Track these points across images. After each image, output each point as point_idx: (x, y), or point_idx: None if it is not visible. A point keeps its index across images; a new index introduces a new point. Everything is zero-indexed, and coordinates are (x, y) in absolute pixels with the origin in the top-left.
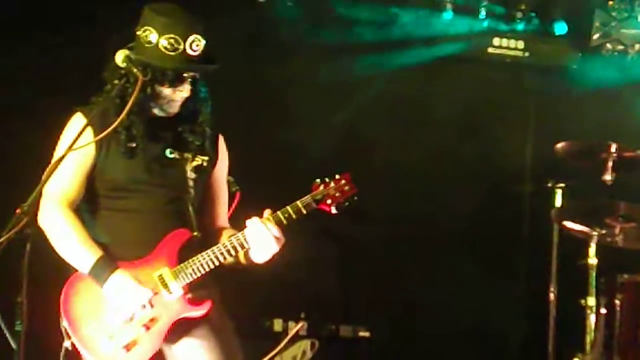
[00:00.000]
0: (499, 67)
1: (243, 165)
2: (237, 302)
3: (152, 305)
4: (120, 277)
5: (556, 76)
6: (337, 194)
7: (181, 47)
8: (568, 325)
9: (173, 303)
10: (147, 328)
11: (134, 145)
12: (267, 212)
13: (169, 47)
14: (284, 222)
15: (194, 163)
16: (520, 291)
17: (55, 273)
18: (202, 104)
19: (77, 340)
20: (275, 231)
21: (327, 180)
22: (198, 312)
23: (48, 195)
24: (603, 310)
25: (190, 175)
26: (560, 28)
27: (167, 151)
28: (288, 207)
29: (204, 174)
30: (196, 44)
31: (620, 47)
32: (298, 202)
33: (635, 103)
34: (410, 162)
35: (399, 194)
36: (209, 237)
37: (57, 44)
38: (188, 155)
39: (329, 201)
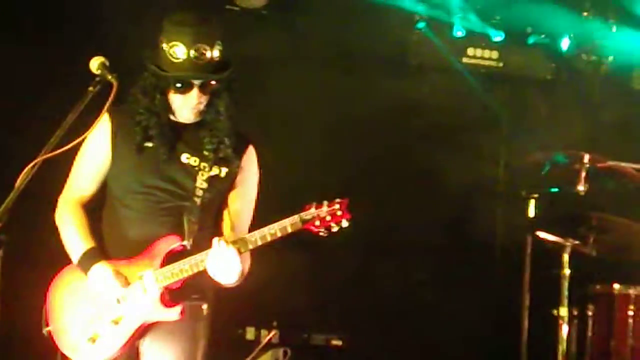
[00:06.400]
0: (473, 77)
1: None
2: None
3: (125, 302)
4: (102, 268)
5: (530, 87)
6: (327, 217)
7: (186, 54)
8: (540, 336)
9: (147, 304)
10: (116, 323)
11: (148, 145)
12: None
13: (173, 54)
14: (269, 239)
15: (210, 173)
16: (493, 301)
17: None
18: (221, 113)
19: (52, 329)
20: (235, 258)
21: (323, 203)
22: (169, 315)
23: (63, 192)
24: (575, 321)
25: (201, 184)
26: (534, 39)
27: (184, 156)
28: (276, 225)
29: (221, 185)
30: (202, 52)
31: (594, 58)
32: (287, 220)
33: (608, 114)
34: (384, 170)
35: (373, 202)
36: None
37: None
38: (205, 164)
39: (317, 223)
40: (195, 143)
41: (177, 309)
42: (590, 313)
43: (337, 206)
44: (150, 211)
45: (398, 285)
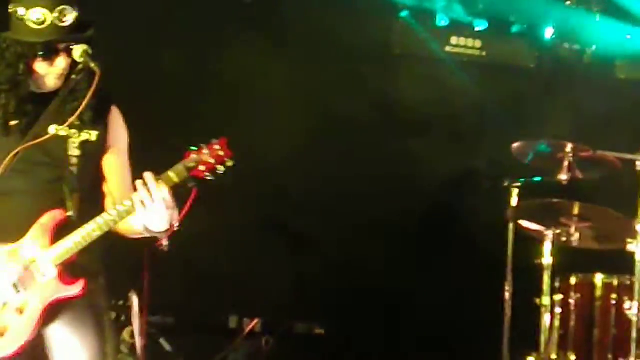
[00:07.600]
0: (456, 65)
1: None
2: (192, 299)
3: (25, 289)
4: None
5: (513, 75)
6: (210, 160)
7: (49, 18)
8: (523, 325)
9: (46, 284)
10: (21, 312)
11: (14, 123)
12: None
13: (35, 20)
14: None
15: (80, 139)
16: (475, 290)
17: None
18: (83, 75)
19: None
20: (166, 194)
21: (201, 146)
22: (70, 291)
23: None
24: (557, 310)
25: (74, 152)
26: (517, 28)
27: (51, 128)
28: (161, 177)
29: (94, 148)
30: (64, 14)
31: (577, 47)
32: (169, 172)
33: (592, 102)
34: (367, 159)
35: (356, 192)
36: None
37: None
38: (73, 130)
39: (202, 167)
40: (59, 112)
41: (79, 284)
42: (572, 302)
43: (217, 147)
44: (28, 189)
45: (380, 274)
